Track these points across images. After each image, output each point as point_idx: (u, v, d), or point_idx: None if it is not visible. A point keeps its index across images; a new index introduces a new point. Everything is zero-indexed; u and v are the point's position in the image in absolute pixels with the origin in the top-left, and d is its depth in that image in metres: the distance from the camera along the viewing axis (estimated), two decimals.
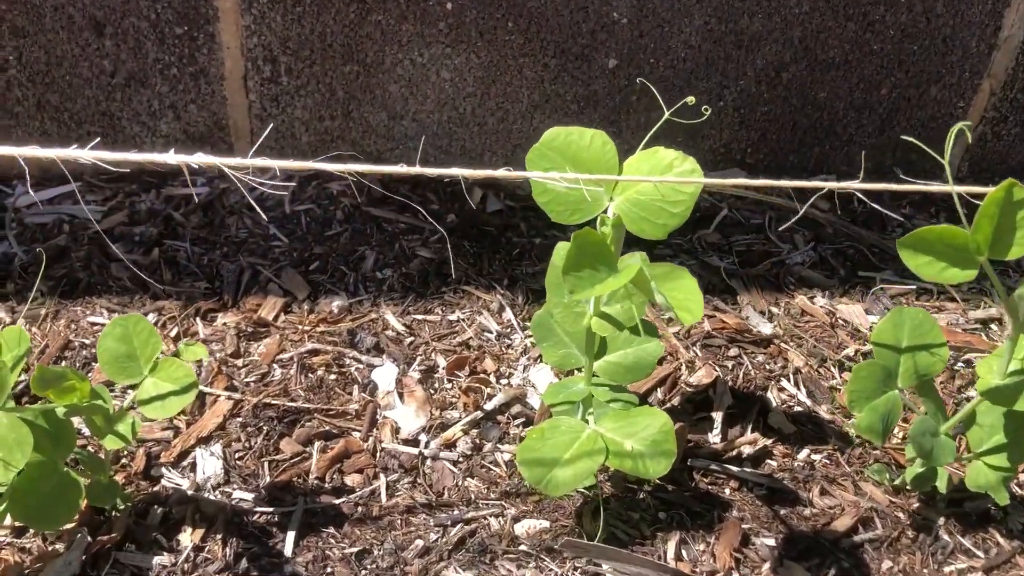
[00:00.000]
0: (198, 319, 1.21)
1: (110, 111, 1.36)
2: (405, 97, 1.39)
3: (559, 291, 0.91)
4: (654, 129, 0.89)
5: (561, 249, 0.92)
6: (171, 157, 0.76)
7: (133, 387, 0.89)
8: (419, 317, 1.24)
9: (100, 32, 1.28)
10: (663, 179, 0.82)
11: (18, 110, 1.35)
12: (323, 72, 1.35)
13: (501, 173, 0.80)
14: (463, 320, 1.24)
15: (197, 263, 1.29)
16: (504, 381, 1.15)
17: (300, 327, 1.21)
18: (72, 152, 0.73)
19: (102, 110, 1.36)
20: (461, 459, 1.04)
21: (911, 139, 1.05)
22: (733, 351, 1.20)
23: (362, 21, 1.30)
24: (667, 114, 0.89)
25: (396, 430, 1.08)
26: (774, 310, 1.28)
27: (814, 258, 1.38)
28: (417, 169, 0.75)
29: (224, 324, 1.20)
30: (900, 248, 0.80)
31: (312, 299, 1.25)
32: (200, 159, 0.77)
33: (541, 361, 1.17)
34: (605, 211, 0.85)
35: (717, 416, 1.09)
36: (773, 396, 1.14)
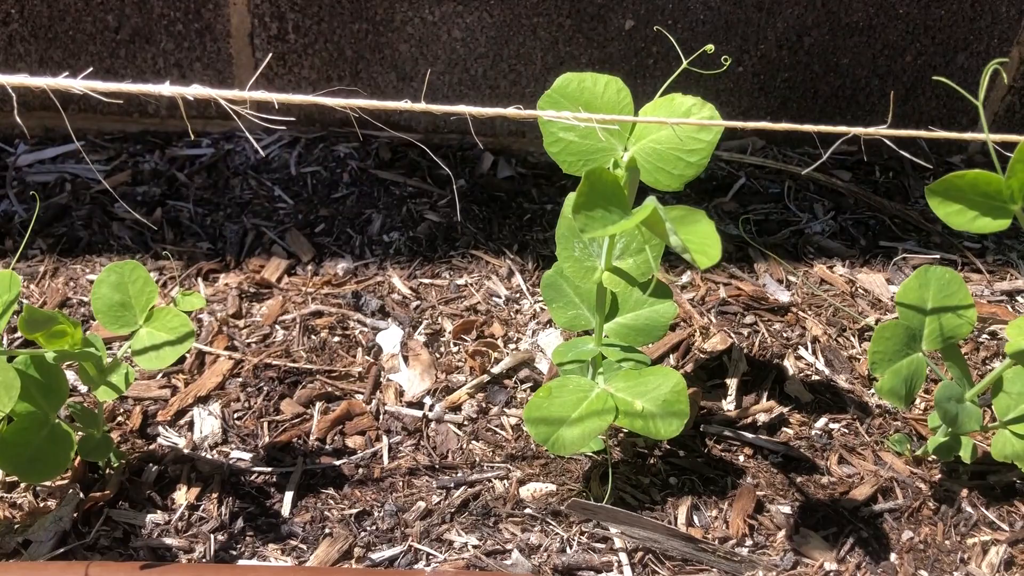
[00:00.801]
0: (199, 279, 1.18)
1: (114, 68, 1.33)
2: (415, 57, 1.35)
3: (570, 243, 0.87)
4: (671, 78, 0.86)
5: (571, 198, 0.88)
6: (166, 88, 0.73)
7: (129, 337, 0.86)
8: (426, 281, 1.21)
9: None
10: (681, 121, 0.78)
11: (20, 66, 1.32)
12: (331, 30, 1.32)
13: (511, 112, 0.76)
14: (471, 284, 1.20)
15: (200, 224, 1.26)
16: (512, 346, 1.12)
17: (304, 289, 1.18)
18: (64, 81, 0.70)
19: (106, 67, 1.33)
20: (466, 422, 1.01)
21: (943, 80, 1.00)
22: (749, 318, 1.16)
23: None
24: (685, 63, 0.85)
25: (400, 393, 1.05)
26: (792, 279, 1.24)
27: (834, 228, 1.33)
28: (423, 105, 0.72)
29: (226, 284, 1.17)
30: (929, 195, 0.76)
31: (317, 261, 1.22)
32: (196, 91, 0.74)
33: (551, 326, 1.14)
34: (620, 158, 0.81)
35: (732, 383, 1.06)
36: (790, 364, 1.10)
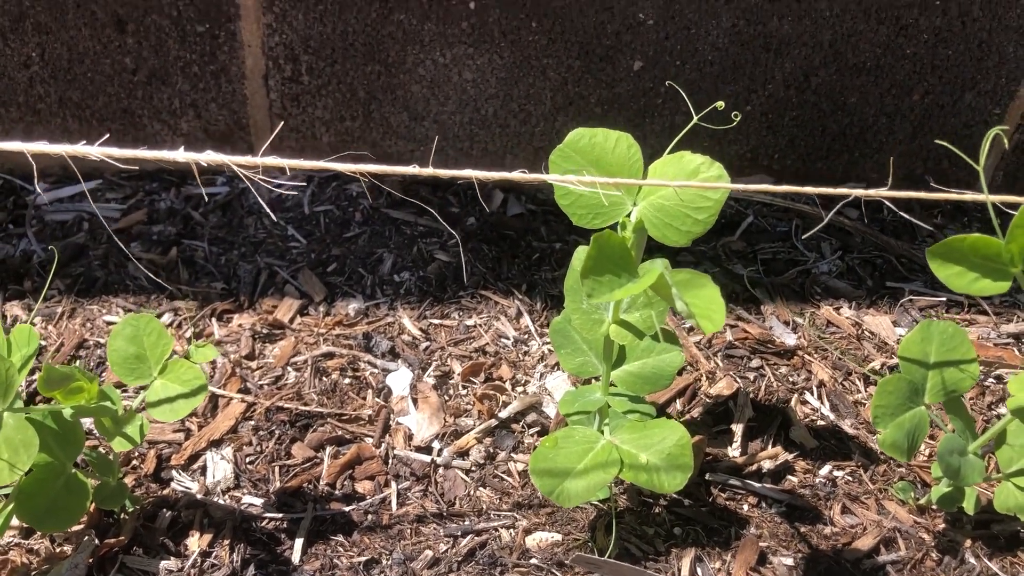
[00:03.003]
0: (214, 320, 1.20)
1: (131, 108, 1.36)
2: (427, 98, 1.37)
3: (578, 295, 0.89)
4: (680, 134, 0.87)
5: (581, 252, 0.90)
6: (180, 155, 0.75)
7: (144, 387, 0.88)
8: (436, 321, 1.22)
9: (122, 29, 1.28)
10: (686, 184, 0.80)
11: (40, 107, 1.35)
12: (344, 71, 1.34)
13: (516, 175, 0.77)
14: (480, 325, 1.22)
15: (214, 263, 1.29)
16: (520, 388, 1.13)
17: (316, 330, 1.19)
18: (81, 148, 0.72)
19: (123, 107, 1.36)
20: (474, 468, 1.02)
21: (944, 143, 1.01)
22: (755, 362, 1.17)
23: (384, 20, 1.29)
24: (695, 119, 0.86)
25: (409, 436, 1.07)
26: (799, 320, 1.25)
27: (841, 267, 1.34)
28: (430, 170, 0.74)
29: (239, 325, 1.19)
30: (929, 257, 0.77)
31: (329, 301, 1.24)
32: (209, 157, 0.75)
33: (558, 368, 1.15)
34: (628, 216, 0.83)
35: (737, 429, 1.07)
36: (796, 409, 1.11)
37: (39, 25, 1.27)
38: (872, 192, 0.78)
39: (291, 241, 1.33)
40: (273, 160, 0.76)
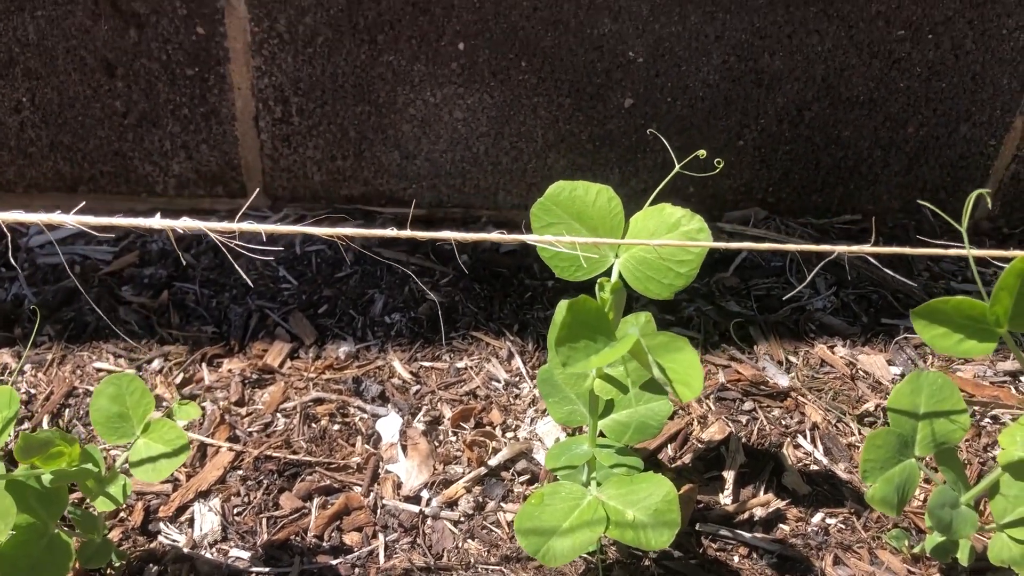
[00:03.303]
0: (203, 365, 1.20)
1: (122, 151, 1.36)
2: (418, 137, 1.37)
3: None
4: (661, 185, 0.87)
5: (563, 307, 0.89)
6: (156, 222, 0.75)
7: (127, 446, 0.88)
8: (426, 364, 1.22)
9: (112, 73, 1.28)
10: (665, 242, 0.79)
11: (32, 150, 1.35)
12: (335, 112, 1.34)
13: (495, 236, 0.77)
14: (471, 368, 1.21)
15: (205, 306, 1.28)
16: (510, 434, 1.12)
17: (306, 374, 1.19)
18: (57, 217, 0.72)
19: (114, 150, 1.36)
20: (462, 519, 1.02)
21: (927, 205, 1.01)
22: (748, 404, 1.16)
23: (374, 62, 1.28)
24: (678, 167, 0.86)
25: (398, 485, 1.06)
26: (792, 359, 1.24)
27: (836, 304, 1.33)
28: (408, 232, 0.73)
29: (229, 371, 1.19)
30: (914, 319, 0.76)
31: (319, 344, 1.24)
32: (185, 224, 0.75)
33: (548, 414, 1.14)
34: (609, 269, 0.82)
35: (729, 476, 1.06)
36: (788, 454, 1.10)
37: (29, 71, 1.27)
38: (855, 248, 0.77)
39: (282, 283, 1.33)
40: (249, 226, 0.76)
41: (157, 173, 1.38)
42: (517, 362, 1.22)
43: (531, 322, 1.28)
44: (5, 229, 0.73)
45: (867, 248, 0.77)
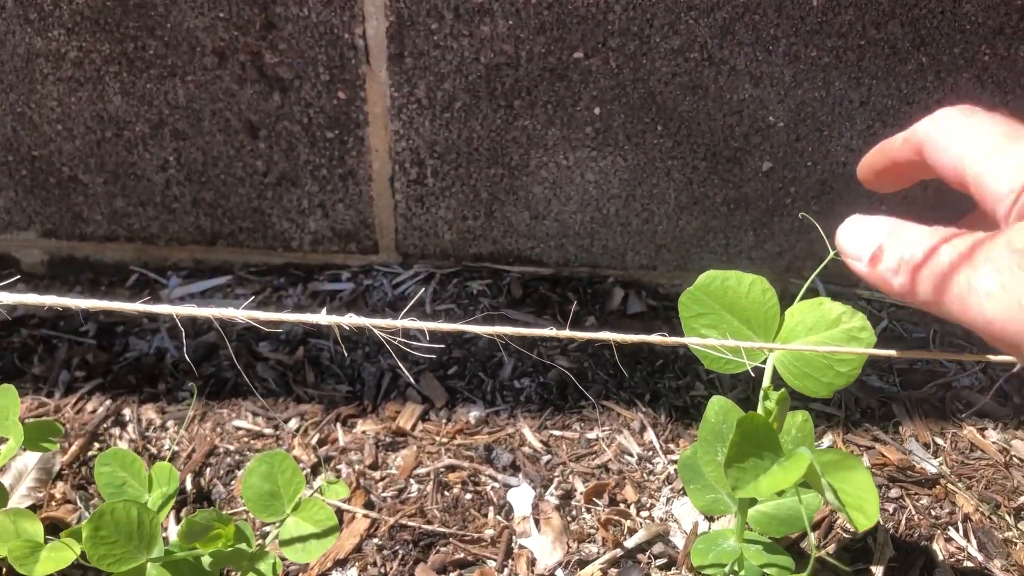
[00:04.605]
0: (338, 425, 1.22)
1: (261, 208, 1.40)
2: (548, 198, 1.36)
3: (712, 447, 0.86)
4: (818, 270, 0.84)
5: (715, 404, 0.87)
6: (323, 318, 0.77)
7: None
8: (556, 433, 1.21)
9: (254, 135, 1.32)
10: (828, 348, 0.76)
11: (175, 206, 1.40)
12: (468, 174, 1.34)
13: (655, 339, 0.76)
14: (602, 439, 1.19)
15: (339, 364, 1.30)
16: (645, 513, 1.10)
17: (437, 438, 1.19)
18: (228, 312, 0.74)
19: (254, 207, 1.39)
20: None
21: None
22: (895, 492, 1.11)
23: (508, 126, 1.29)
24: (831, 255, 0.82)
25: (532, 562, 1.05)
26: (939, 442, 1.18)
27: (984, 381, 1.27)
28: (567, 333, 0.74)
29: (363, 432, 1.20)
30: None
31: (450, 407, 1.24)
32: (351, 320, 0.77)
33: (684, 494, 1.12)
34: (762, 361, 0.80)
35: (878, 572, 1.01)
36: (939, 548, 1.05)
37: (177, 132, 1.31)
38: (1005, 357, 0.72)
39: (413, 341, 1.33)
40: (410, 323, 0.77)
41: (294, 230, 1.41)
42: (650, 435, 1.20)
43: (663, 392, 1.26)
44: (174, 315, 0.75)
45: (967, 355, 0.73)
